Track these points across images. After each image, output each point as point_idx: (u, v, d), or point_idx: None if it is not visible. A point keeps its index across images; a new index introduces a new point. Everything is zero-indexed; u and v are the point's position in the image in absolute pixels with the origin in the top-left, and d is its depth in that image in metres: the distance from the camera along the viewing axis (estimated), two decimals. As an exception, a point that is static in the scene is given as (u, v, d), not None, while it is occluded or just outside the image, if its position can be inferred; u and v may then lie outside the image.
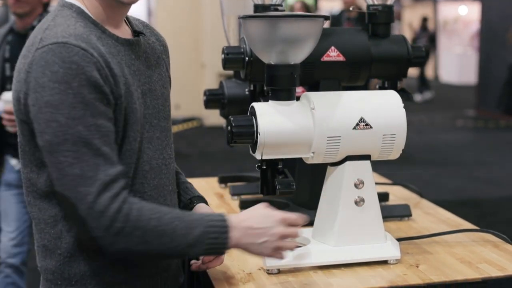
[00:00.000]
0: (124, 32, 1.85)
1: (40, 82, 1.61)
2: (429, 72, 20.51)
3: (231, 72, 2.72)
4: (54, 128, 1.61)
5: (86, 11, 1.76)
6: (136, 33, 1.88)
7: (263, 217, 1.79)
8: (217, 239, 1.72)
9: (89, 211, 1.61)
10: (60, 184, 1.64)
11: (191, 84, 12.02)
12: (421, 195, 2.82)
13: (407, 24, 21.62)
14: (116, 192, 1.64)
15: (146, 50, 1.89)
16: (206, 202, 2.08)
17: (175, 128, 11.59)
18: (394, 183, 2.98)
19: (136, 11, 15.35)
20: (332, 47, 2.26)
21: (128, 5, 1.81)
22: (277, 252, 1.80)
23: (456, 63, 19.74)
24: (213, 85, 9.93)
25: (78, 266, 1.77)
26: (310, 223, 2.14)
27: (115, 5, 1.79)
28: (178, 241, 1.69)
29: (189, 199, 2.05)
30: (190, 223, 1.71)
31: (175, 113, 12.49)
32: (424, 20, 17.86)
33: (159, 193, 1.86)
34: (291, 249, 1.83)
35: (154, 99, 1.86)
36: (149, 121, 1.83)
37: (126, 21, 1.91)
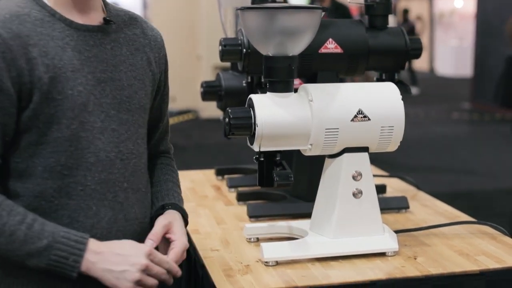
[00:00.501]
0: (93, 18, 1.82)
1: None
2: (424, 64, 20.51)
3: (227, 64, 2.72)
4: None
5: None
6: (106, 21, 1.84)
7: (129, 245, 1.72)
8: (66, 259, 1.64)
9: None
10: None
11: (187, 76, 11.99)
12: (418, 187, 2.82)
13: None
14: None
15: (118, 39, 1.86)
16: (183, 214, 1.95)
17: (170, 121, 11.56)
18: (391, 175, 2.98)
19: (131, 3, 15.34)
20: (330, 39, 2.25)
21: None
22: (140, 282, 1.68)
23: (451, 55, 19.74)
24: (209, 77, 9.96)
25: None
26: (308, 215, 2.14)
27: None
28: (14, 246, 1.62)
29: (162, 205, 1.94)
30: (37, 232, 1.64)
31: (171, 105, 12.47)
32: (405, 12, 17.84)
33: (107, 188, 1.78)
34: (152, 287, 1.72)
35: (117, 89, 1.81)
36: (106, 111, 1.78)
37: (104, 9, 1.88)
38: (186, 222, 1.93)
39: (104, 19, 1.84)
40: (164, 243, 1.83)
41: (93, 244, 1.67)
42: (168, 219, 1.86)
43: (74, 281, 1.68)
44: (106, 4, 1.90)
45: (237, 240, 2.18)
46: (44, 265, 1.64)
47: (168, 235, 1.83)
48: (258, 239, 2.16)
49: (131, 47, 1.89)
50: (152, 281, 1.70)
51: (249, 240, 2.16)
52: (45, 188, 1.72)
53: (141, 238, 1.80)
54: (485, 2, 13.33)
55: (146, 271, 1.69)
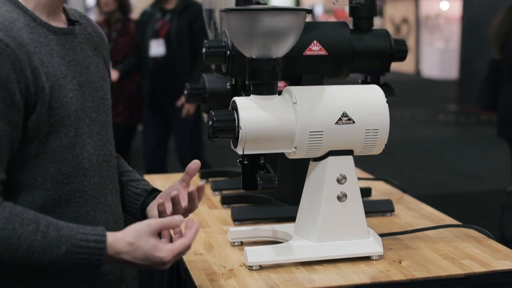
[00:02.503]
0: (59, 21, 1.78)
1: None
2: (410, 67, 20.55)
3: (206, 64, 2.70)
4: None
5: None
6: (71, 22, 1.81)
7: (146, 255, 1.62)
8: (89, 260, 1.59)
9: None
10: None
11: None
12: (404, 190, 2.81)
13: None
14: None
15: (82, 41, 1.83)
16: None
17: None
18: (376, 178, 2.97)
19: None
20: (315, 41, 2.23)
21: None
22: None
23: (437, 58, 19.78)
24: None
25: None
26: (292, 219, 2.13)
27: None
28: (34, 257, 1.56)
29: (151, 190, 1.95)
30: (54, 239, 1.57)
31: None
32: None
33: (100, 192, 1.78)
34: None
35: (93, 92, 1.79)
36: (89, 115, 1.76)
37: (62, 10, 1.83)
38: None
39: (70, 20, 1.81)
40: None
41: (112, 241, 1.61)
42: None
43: None
44: None
45: (221, 244, 2.16)
46: (68, 265, 1.59)
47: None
48: (242, 243, 2.14)
49: (91, 47, 1.87)
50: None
51: (233, 244, 2.14)
52: (47, 199, 1.68)
53: None
54: (471, 4, 13.37)
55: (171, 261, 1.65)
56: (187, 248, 1.65)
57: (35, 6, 1.72)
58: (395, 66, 2.36)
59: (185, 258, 2.04)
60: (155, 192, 1.96)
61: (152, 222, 1.64)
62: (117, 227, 1.82)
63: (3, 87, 1.55)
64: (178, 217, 1.66)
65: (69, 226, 1.61)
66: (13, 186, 1.66)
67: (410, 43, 20.52)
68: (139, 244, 1.61)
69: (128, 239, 1.61)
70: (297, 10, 1.86)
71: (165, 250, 1.62)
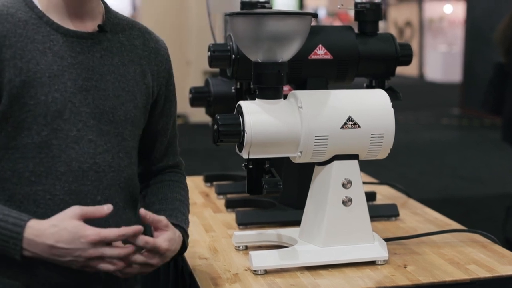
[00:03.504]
0: (88, 25, 1.80)
1: None
2: (414, 70, 20.55)
3: (216, 70, 2.70)
4: None
5: None
6: (100, 28, 1.82)
7: (71, 235, 1.56)
8: (7, 242, 1.57)
9: None
10: None
11: (176, 81, 11.83)
12: (408, 194, 2.81)
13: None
14: None
15: (110, 49, 1.82)
16: (185, 239, 1.83)
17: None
18: (381, 183, 2.96)
19: (121, 7, 15.31)
20: (320, 45, 2.23)
21: None
22: (89, 267, 1.61)
23: (441, 61, 19.77)
24: (198, 82, 9.94)
25: None
26: (297, 223, 2.13)
27: None
28: None
29: None
30: None
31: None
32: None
33: (77, 200, 1.72)
34: (110, 269, 1.62)
35: (100, 99, 1.77)
36: (84, 120, 1.74)
37: (104, 15, 1.85)
38: (184, 247, 1.84)
39: (99, 26, 1.82)
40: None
41: (31, 233, 1.57)
42: (171, 231, 1.73)
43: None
44: (108, 11, 1.87)
45: (225, 248, 2.16)
46: None
47: (156, 232, 1.71)
48: (247, 247, 2.14)
49: (125, 57, 1.85)
50: (106, 266, 1.60)
51: (237, 248, 2.14)
52: (13, 193, 1.70)
53: None
54: (474, 8, 13.37)
55: (94, 259, 1.58)
56: (116, 236, 1.58)
57: (48, 6, 1.75)
58: (398, 69, 2.35)
59: (190, 262, 2.04)
60: None
61: (75, 207, 1.61)
62: None
63: None
64: (106, 206, 1.62)
65: None
66: None
67: (414, 46, 20.46)
68: (63, 225, 1.56)
69: (51, 222, 1.58)
70: (303, 14, 1.86)
71: (91, 229, 1.57)
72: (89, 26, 1.81)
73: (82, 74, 1.75)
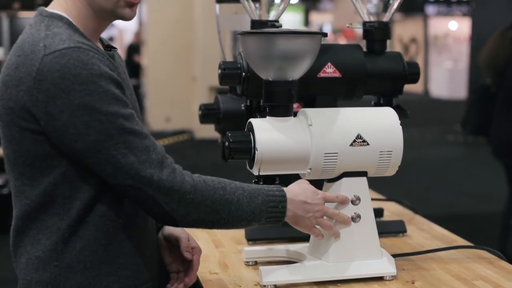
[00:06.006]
0: (99, 46, 1.85)
1: (62, 87, 1.61)
2: (419, 87, 20.57)
3: (223, 86, 2.73)
4: (96, 127, 1.63)
5: (74, 23, 1.75)
6: (108, 47, 1.89)
7: (312, 193, 1.91)
8: (277, 207, 1.83)
9: (159, 189, 1.69)
10: (118, 176, 1.68)
11: (182, 97, 12.04)
12: (415, 211, 2.83)
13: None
14: (172, 167, 1.72)
15: (121, 64, 1.91)
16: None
17: (165, 141, 11.58)
18: (388, 199, 2.99)
19: (127, 23, 15.35)
20: (329, 63, 2.26)
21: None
22: (314, 227, 1.94)
23: (446, 78, 19.80)
24: (204, 98, 9.97)
25: (74, 277, 1.75)
26: (306, 239, 2.15)
27: (108, 19, 1.81)
28: (243, 209, 1.78)
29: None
30: (252, 192, 1.81)
31: (165, 126, 12.51)
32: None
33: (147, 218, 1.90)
34: (327, 226, 1.96)
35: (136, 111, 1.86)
36: None
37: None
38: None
39: (109, 46, 1.89)
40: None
41: (289, 194, 1.87)
42: (184, 232, 2.00)
43: None
44: None
45: (235, 263, 2.18)
46: (264, 219, 1.83)
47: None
48: (256, 263, 2.16)
49: (124, 71, 1.94)
50: (327, 223, 1.97)
51: (247, 264, 2.16)
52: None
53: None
54: (479, 24, 13.38)
55: (324, 215, 1.95)
56: (333, 198, 2.00)
57: (87, 31, 1.78)
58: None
59: (200, 277, 2.06)
60: None
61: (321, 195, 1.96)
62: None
63: (120, 85, 1.71)
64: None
65: (250, 184, 1.88)
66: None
67: (419, 63, 20.48)
68: (306, 187, 1.93)
69: (297, 185, 1.94)
70: (313, 33, 1.89)
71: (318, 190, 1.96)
72: (99, 46, 1.86)
73: (127, 90, 1.83)
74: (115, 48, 1.91)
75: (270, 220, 1.83)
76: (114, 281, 1.78)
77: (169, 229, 2.00)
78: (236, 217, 1.78)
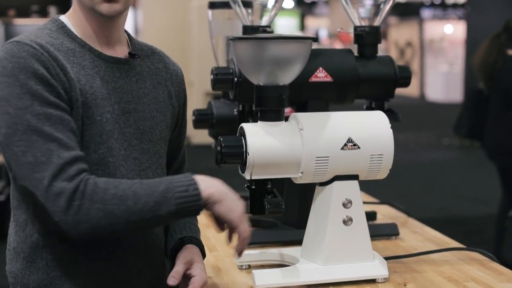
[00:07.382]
0: (118, 51, 1.89)
1: None
2: (415, 90, 20.58)
3: (218, 92, 2.74)
4: (6, 120, 1.63)
5: (70, 26, 1.82)
6: (131, 54, 1.92)
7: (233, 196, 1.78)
8: (187, 191, 1.67)
9: (46, 195, 1.59)
10: (19, 175, 1.65)
11: (178, 102, 12.00)
12: (408, 214, 2.84)
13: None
14: (72, 174, 1.61)
15: (142, 72, 1.93)
16: (201, 248, 2.00)
17: (162, 147, 11.54)
18: (381, 202, 3.00)
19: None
20: (320, 68, 2.27)
21: (113, 21, 1.85)
22: (245, 218, 1.79)
23: (442, 81, 19.82)
24: (201, 103, 9.96)
25: (37, 273, 1.77)
26: (299, 242, 2.16)
27: (99, 19, 1.83)
28: (144, 201, 1.63)
29: (180, 239, 1.99)
30: (151, 183, 1.67)
31: (162, 132, 12.48)
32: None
33: None
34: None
35: (140, 120, 1.88)
36: (128, 140, 1.85)
37: (129, 42, 1.96)
38: (203, 255, 1.98)
39: (130, 53, 1.91)
40: (184, 279, 1.85)
41: (200, 176, 1.73)
42: (188, 257, 1.89)
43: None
44: (131, 39, 1.98)
45: (229, 267, 2.19)
46: (174, 208, 1.66)
47: (188, 271, 1.86)
48: (249, 266, 2.17)
49: (154, 80, 1.96)
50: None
51: (240, 267, 2.18)
52: None
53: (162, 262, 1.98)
54: (475, 28, 13.42)
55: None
56: None
57: (88, 35, 1.84)
58: (399, 89, 2.39)
59: (194, 281, 2.07)
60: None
61: None
62: (153, 253, 1.95)
63: (46, 82, 1.67)
64: None
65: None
66: None
67: (415, 66, 20.57)
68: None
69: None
70: (303, 38, 1.90)
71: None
72: (120, 52, 1.91)
73: (124, 98, 1.85)
74: (136, 55, 1.93)
75: (183, 205, 1.67)
76: (79, 284, 1.79)
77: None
78: (136, 212, 1.62)
